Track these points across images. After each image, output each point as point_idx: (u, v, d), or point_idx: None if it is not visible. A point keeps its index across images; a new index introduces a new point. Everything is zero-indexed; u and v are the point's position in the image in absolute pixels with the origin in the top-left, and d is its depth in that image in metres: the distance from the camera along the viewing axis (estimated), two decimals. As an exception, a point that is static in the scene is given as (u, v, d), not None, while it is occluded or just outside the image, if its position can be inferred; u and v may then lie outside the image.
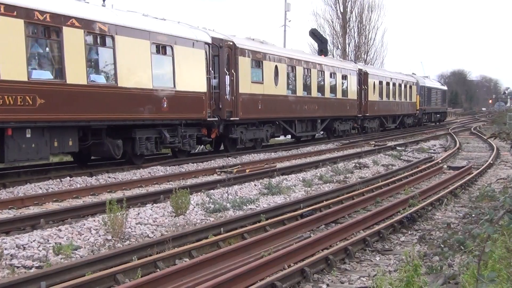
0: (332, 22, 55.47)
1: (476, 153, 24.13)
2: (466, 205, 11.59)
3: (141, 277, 6.20)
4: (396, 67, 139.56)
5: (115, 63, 15.58)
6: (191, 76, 18.65)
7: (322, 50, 40.15)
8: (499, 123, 42.45)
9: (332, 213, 10.21)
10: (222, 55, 20.67)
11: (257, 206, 11.21)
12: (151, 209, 10.34)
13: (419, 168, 17.42)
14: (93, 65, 15.37)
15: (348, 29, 55.66)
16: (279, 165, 18.45)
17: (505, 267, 5.07)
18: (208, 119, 19.41)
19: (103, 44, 15.47)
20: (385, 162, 19.80)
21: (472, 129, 42.72)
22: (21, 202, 11.06)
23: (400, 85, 43.59)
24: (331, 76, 30.80)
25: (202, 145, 22.68)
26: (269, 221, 9.39)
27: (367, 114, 36.35)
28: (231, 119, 21.04)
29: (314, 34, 43.61)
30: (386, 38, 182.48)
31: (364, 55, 56.46)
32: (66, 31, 14.07)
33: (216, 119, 20.09)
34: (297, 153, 22.65)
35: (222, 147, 22.85)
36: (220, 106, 20.44)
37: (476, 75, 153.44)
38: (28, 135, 13.34)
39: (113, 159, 16.91)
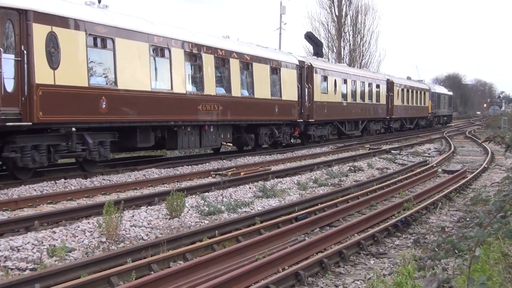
0: (328, 25, 55.63)
1: (470, 157, 24.19)
2: (461, 209, 11.61)
3: (135, 279, 6.19)
4: (391, 71, 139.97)
5: (253, 81, 23.10)
6: (289, 89, 26.06)
7: (318, 54, 40.24)
8: (494, 127, 42.54)
9: (326, 216, 10.21)
10: (303, 73, 27.77)
11: (251, 209, 11.20)
12: (146, 212, 10.32)
13: (414, 172, 17.43)
14: (242, 83, 22.68)
15: (343, 32, 55.75)
16: (273, 168, 18.45)
17: (500, 272, 5.07)
18: (297, 120, 26.53)
19: (247, 68, 22.96)
20: (380, 165, 19.82)
21: (467, 133, 42.84)
22: (15, 204, 11.02)
23: (417, 92, 49.92)
24: (369, 86, 38.23)
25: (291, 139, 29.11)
26: (264, 224, 9.39)
27: (393, 116, 43.21)
28: (309, 120, 28.01)
29: (310, 37, 43.75)
30: (381, 41, 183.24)
31: (359, 58, 56.56)
32: (232, 61, 21.65)
33: (301, 120, 26.97)
34: (292, 156, 22.68)
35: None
36: (302, 111, 27.12)
37: (471, 79, 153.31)
38: (212, 130, 20.57)
39: (247, 147, 24.38)
